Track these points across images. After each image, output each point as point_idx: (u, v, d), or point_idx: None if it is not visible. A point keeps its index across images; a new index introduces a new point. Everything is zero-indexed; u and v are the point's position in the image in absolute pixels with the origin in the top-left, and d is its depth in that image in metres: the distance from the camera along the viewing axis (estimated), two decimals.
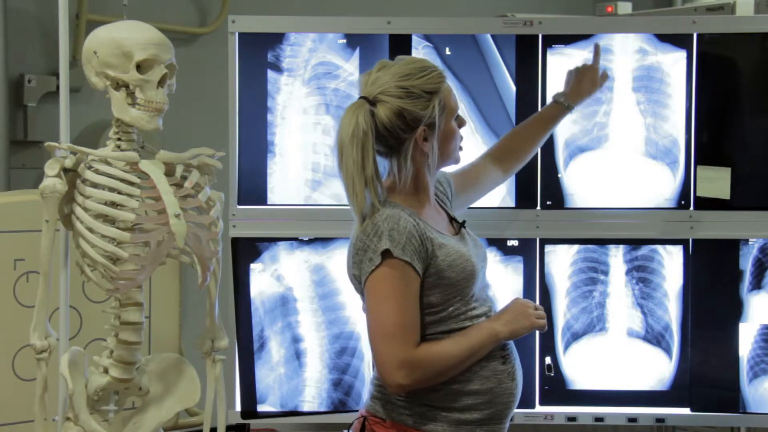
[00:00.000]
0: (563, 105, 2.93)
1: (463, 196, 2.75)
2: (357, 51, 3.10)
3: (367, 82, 2.43)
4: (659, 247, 3.13)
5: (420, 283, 2.38)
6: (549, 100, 3.01)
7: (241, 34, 3.10)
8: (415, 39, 3.11)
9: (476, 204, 2.92)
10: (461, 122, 2.53)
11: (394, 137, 2.41)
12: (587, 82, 2.96)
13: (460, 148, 2.55)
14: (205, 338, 2.71)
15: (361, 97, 2.41)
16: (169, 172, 2.54)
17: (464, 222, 2.57)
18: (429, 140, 2.43)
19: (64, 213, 2.56)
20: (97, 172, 2.52)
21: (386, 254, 2.33)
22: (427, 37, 3.12)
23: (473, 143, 3.02)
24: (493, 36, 3.12)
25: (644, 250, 3.13)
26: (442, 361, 2.37)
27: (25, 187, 3.87)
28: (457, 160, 2.56)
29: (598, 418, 3.15)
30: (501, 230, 3.10)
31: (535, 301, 3.10)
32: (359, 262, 2.38)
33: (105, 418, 2.63)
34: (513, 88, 3.12)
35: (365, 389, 3.08)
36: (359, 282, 2.41)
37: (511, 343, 2.49)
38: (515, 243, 3.14)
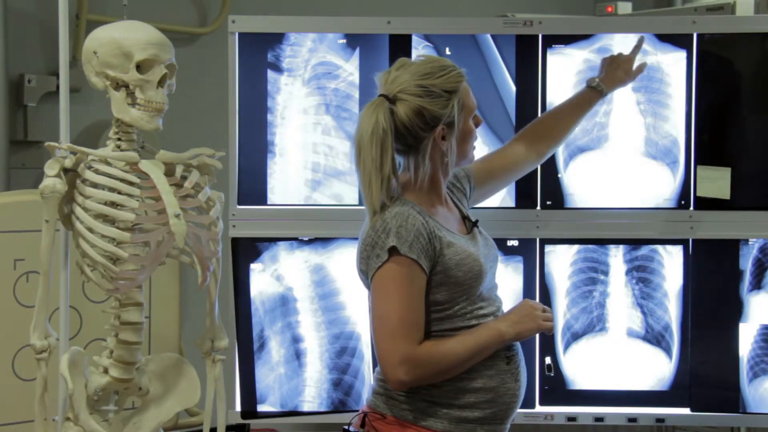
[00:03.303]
0: (597, 89, 2.91)
1: (488, 185, 2.74)
2: (357, 51, 3.10)
3: (387, 81, 2.43)
4: (659, 247, 3.13)
5: (426, 281, 2.38)
6: (554, 102, 3.01)
7: (241, 34, 3.10)
8: (415, 39, 3.11)
9: (477, 204, 2.92)
10: (478, 121, 2.54)
11: (412, 136, 2.41)
12: (621, 71, 2.95)
13: (474, 147, 2.56)
14: (205, 338, 2.70)
15: (380, 95, 2.41)
16: (169, 172, 2.54)
17: (477, 221, 2.57)
18: (447, 139, 2.44)
19: (64, 213, 2.56)
20: (97, 172, 2.52)
21: (393, 251, 2.34)
22: (427, 37, 3.12)
23: None
24: (493, 36, 3.12)
25: (644, 250, 3.13)
26: (445, 359, 2.38)
27: (25, 187, 3.86)
28: (471, 160, 2.57)
29: (598, 418, 3.15)
30: (501, 230, 3.10)
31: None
32: (367, 258, 2.39)
33: (105, 418, 2.63)
34: (513, 88, 3.12)
35: (365, 389, 3.08)
36: (367, 277, 2.41)
37: (517, 345, 2.50)
38: (515, 243, 3.14)
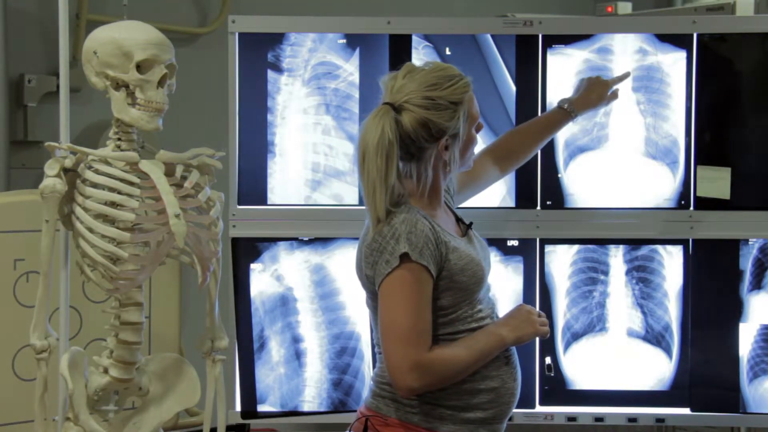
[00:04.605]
0: (567, 111, 2.93)
1: (461, 194, 2.75)
2: (357, 51, 3.10)
3: (393, 88, 2.42)
4: (659, 247, 3.13)
5: (433, 286, 2.38)
6: (553, 103, 3.02)
7: (241, 34, 3.10)
8: (415, 39, 3.11)
9: (476, 204, 2.92)
10: (479, 127, 2.53)
11: (416, 146, 2.41)
12: (596, 94, 2.96)
13: (473, 154, 2.56)
14: (205, 338, 2.70)
15: (385, 103, 2.40)
16: (169, 172, 2.54)
17: (471, 224, 2.57)
18: (450, 149, 2.43)
19: (64, 213, 2.56)
20: (97, 172, 2.52)
21: (404, 257, 2.34)
22: (427, 37, 3.12)
23: None
24: (493, 36, 3.12)
25: (644, 250, 3.13)
26: (453, 366, 2.39)
27: (25, 187, 3.86)
28: (470, 166, 2.57)
29: (598, 418, 3.15)
30: (501, 230, 3.10)
31: (535, 301, 3.11)
32: (374, 263, 2.39)
33: (105, 418, 2.63)
34: (513, 88, 3.12)
35: (365, 389, 3.08)
36: (372, 283, 2.41)
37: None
38: (515, 243, 3.14)
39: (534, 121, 2.98)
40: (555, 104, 2.99)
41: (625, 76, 3.04)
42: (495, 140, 2.97)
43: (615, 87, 3.02)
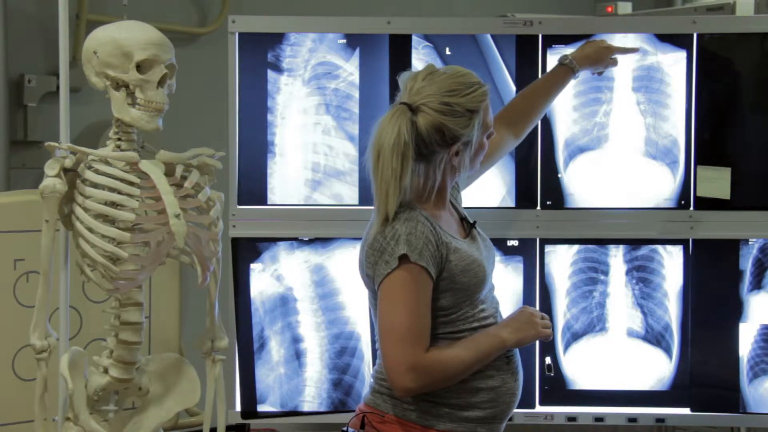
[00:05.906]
0: (568, 66, 2.92)
1: (482, 168, 2.73)
2: (357, 51, 3.10)
3: (412, 89, 2.41)
4: (659, 247, 3.13)
5: (433, 287, 2.38)
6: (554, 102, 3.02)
7: (241, 34, 3.10)
8: (415, 39, 3.11)
9: (476, 204, 2.92)
10: (491, 136, 2.53)
11: (428, 148, 2.41)
12: (595, 53, 2.96)
13: (481, 159, 2.55)
14: (205, 338, 2.71)
15: (402, 103, 2.40)
16: (169, 172, 2.54)
17: (475, 222, 2.57)
18: (460, 155, 2.44)
19: (64, 213, 2.57)
20: (97, 172, 2.52)
21: (403, 259, 2.34)
22: (427, 37, 3.12)
23: None
24: (493, 36, 3.12)
25: (644, 250, 3.13)
26: (450, 368, 2.39)
27: (25, 187, 3.86)
28: (476, 169, 2.57)
29: (598, 418, 3.15)
30: (501, 230, 3.10)
31: (535, 301, 3.11)
32: (374, 263, 2.39)
33: (105, 418, 2.63)
34: (513, 88, 3.12)
35: (365, 389, 3.08)
36: (372, 281, 2.41)
37: None
38: (515, 243, 3.14)
39: (538, 81, 2.97)
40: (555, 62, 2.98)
41: (633, 50, 3.03)
42: (504, 107, 2.95)
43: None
